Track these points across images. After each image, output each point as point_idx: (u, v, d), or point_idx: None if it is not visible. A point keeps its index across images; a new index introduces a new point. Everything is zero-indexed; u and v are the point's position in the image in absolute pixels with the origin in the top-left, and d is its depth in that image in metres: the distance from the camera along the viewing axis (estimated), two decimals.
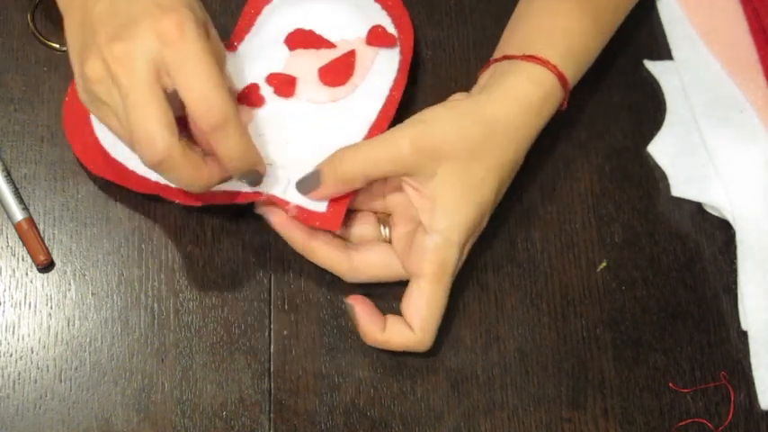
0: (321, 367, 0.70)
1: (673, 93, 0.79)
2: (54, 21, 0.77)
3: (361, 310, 0.68)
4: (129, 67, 0.60)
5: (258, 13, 0.76)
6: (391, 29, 0.75)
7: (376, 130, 0.70)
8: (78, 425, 0.67)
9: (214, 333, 0.70)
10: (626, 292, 0.73)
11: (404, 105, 0.73)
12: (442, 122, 0.67)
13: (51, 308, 0.70)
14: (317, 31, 0.73)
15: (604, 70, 0.78)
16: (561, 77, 0.70)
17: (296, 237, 0.69)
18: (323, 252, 0.69)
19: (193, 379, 0.69)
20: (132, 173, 0.69)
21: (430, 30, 0.79)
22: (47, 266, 0.70)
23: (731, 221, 0.74)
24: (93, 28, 0.62)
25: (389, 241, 0.70)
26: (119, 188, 0.72)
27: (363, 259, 0.69)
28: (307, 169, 0.68)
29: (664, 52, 0.80)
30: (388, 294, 0.70)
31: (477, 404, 0.70)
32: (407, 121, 0.68)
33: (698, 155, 0.76)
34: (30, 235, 0.71)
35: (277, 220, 0.69)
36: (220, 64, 0.65)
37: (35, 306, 0.70)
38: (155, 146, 0.60)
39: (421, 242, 0.67)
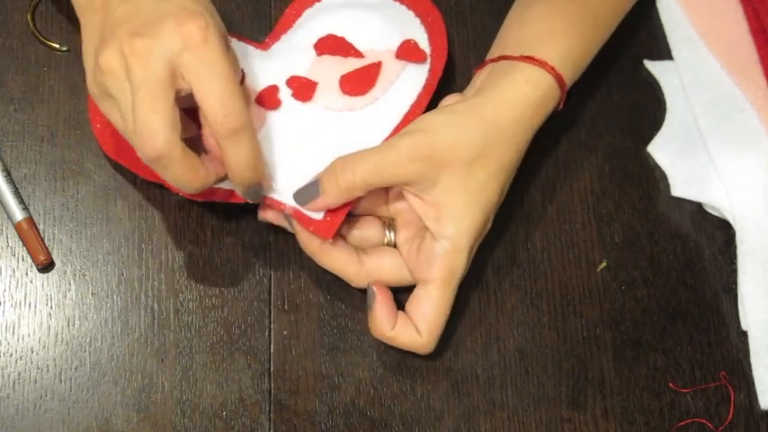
0: (321, 367, 0.70)
1: (673, 93, 0.79)
2: (54, 21, 0.77)
3: (382, 300, 0.67)
4: (147, 62, 0.61)
5: (299, 15, 0.76)
6: (425, 44, 0.74)
7: None
8: (78, 425, 0.67)
9: (214, 333, 0.70)
10: (626, 292, 0.73)
11: None
12: (441, 130, 0.67)
13: (51, 308, 0.70)
14: (349, 39, 0.73)
15: (604, 70, 0.78)
16: (559, 78, 0.70)
17: (311, 240, 0.68)
18: (335, 256, 0.68)
19: (193, 379, 0.69)
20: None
21: None
22: (47, 266, 0.70)
23: (731, 221, 0.74)
24: (114, 25, 0.63)
25: (394, 245, 0.70)
26: (119, 188, 0.72)
27: (375, 264, 0.69)
28: (307, 177, 0.68)
29: (664, 52, 0.80)
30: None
31: (477, 404, 0.70)
32: (407, 130, 0.68)
33: (698, 155, 0.76)
34: (30, 235, 0.71)
35: (295, 221, 0.69)
36: (236, 74, 0.65)
37: (35, 306, 0.70)
38: (156, 140, 0.61)
39: (430, 248, 0.67)
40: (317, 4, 0.76)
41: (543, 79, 0.69)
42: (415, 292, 0.68)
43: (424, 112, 0.71)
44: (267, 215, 0.69)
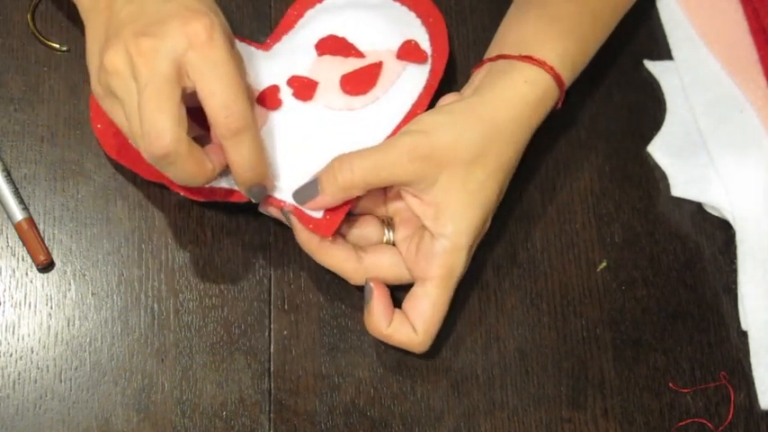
0: (321, 367, 0.70)
1: (673, 93, 0.79)
2: (54, 21, 0.77)
3: (379, 297, 0.68)
4: (153, 61, 0.61)
5: (300, 16, 0.76)
6: (426, 45, 0.74)
7: None
8: (78, 425, 0.67)
9: (214, 333, 0.70)
10: (626, 292, 0.73)
11: None
12: (440, 130, 0.67)
13: (51, 308, 0.70)
14: (350, 39, 0.73)
15: (604, 70, 0.78)
16: (557, 78, 0.70)
17: (310, 237, 0.68)
18: (334, 253, 0.68)
19: (193, 379, 0.69)
20: (145, 160, 0.70)
21: None
22: (47, 266, 0.70)
23: (731, 221, 0.74)
24: (118, 26, 0.63)
25: (393, 244, 0.70)
26: (119, 188, 0.72)
27: (373, 262, 0.69)
28: (308, 176, 0.68)
29: (664, 52, 0.80)
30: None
31: (477, 404, 0.70)
32: (405, 130, 0.68)
33: (698, 155, 0.76)
34: (30, 235, 0.71)
35: (295, 218, 0.69)
36: (241, 74, 0.65)
37: (35, 306, 0.70)
38: (164, 139, 0.61)
39: (429, 247, 0.67)
40: (318, 5, 0.76)
41: (542, 79, 0.69)
42: (413, 290, 0.68)
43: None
44: (269, 209, 0.69)
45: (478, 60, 0.73)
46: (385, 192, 0.70)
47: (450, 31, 0.78)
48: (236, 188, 0.69)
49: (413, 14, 0.76)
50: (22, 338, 0.69)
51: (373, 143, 0.69)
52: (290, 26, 0.76)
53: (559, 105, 0.72)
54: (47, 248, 0.71)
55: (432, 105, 0.72)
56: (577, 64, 0.72)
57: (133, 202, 0.72)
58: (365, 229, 0.70)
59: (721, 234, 0.75)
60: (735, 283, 0.73)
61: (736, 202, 0.74)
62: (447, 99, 0.71)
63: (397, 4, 0.76)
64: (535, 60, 0.69)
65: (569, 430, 0.69)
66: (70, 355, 0.69)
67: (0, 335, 0.69)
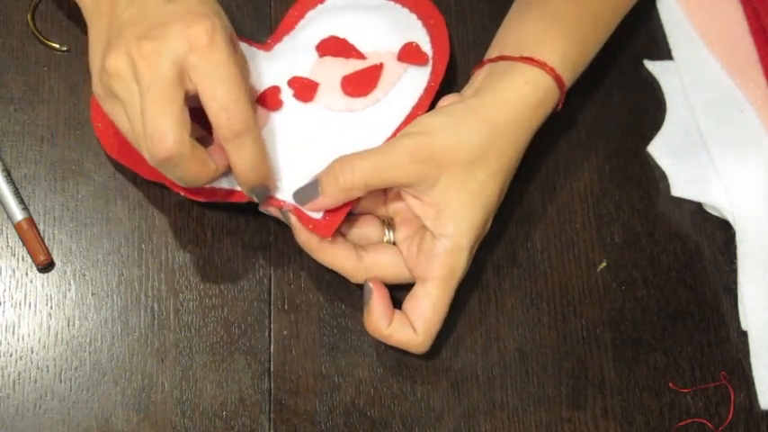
0: (321, 367, 0.70)
1: (673, 93, 0.79)
2: (54, 21, 0.77)
3: (379, 297, 0.68)
4: (155, 64, 0.61)
5: (301, 16, 0.76)
6: (427, 47, 0.74)
7: None
8: (78, 425, 0.67)
9: (214, 333, 0.70)
10: (626, 292, 0.73)
11: None
12: (441, 132, 0.67)
13: (51, 308, 0.70)
14: (351, 41, 0.73)
15: (604, 70, 0.78)
16: (558, 79, 0.70)
17: (309, 236, 0.68)
18: (334, 252, 0.68)
19: (193, 379, 0.69)
20: (146, 160, 0.70)
21: None
22: (47, 266, 0.70)
23: (731, 221, 0.74)
24: (120, 28, 0.63)
25: (393, 244, 0.70)
26: (119, 188, 0.72)
27: (373, 260, 0.69)
28: (308, 177, 0.68)
29: (664, 52, 0.80)
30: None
31: (477, 404, 0.70)
32: (406, 131, 0.68)
33: (698, 155, 0.76)
34: (30, 235, 0.71)
35: (294, 218, 0.69)
36: (244, 75, 0.65)
37: (35, 306, 0.70)
38: (166, 141, 0.61)
39: (430, 247, 0.67)
40: (319, 6, 0.76)
41: (542, 80, 0.69)
42: (414, 290, 0.68)
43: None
44: (269, 208, 0.69)
45: (479, 61, 0.73)
46: (385, 192, 0.70)
47: (450, 31, 0.78)
48: (237, 188, 0.69)
49: (414, 16, 0.76)
50: (22, 338, 0.69)
51: (374, 145, 0.69)
52: (290, 27, 0.76)
53: (560, 107, 0.72)
54: (47, 248, 0.71)
55: (432, 107, 0.72)
56: (578, 65, 0.72)
57: (133, 202, 0.72)
58: (365, 229, 0.70)
59: (721, 234, 0.75)
60: (735, 283, 0.73)
61: (736, 202, 0.74)
62: (447, 100, 0.71)
63: (398, 5, 0.76)
64: (536, 62, 0.69)
65: (569, 430, 0.69)
66: (70, 355, 0.69)
67: (0, 335, 0.69)
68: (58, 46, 0.76)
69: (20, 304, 0.70)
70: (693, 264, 0.74)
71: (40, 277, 0.70)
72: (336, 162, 0.67)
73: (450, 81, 0.76)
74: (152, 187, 0.72)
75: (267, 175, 0.66)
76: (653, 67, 0.80)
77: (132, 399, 0.68)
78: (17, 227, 0.71)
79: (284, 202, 0.68)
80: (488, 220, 0.69)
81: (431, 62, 0.74)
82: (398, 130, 0.71)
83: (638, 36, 0.80)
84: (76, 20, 0.76)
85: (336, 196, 0.67)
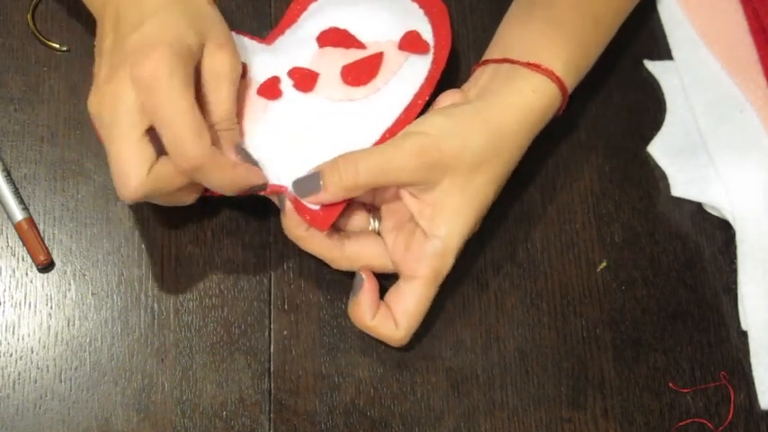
0: (321, 367, 0.70)
1: (673, 93, 0.79)
2: (54, 21, 0.77)
3: (368, 289, 0.68)
4: (113, 106, 0.63)
5: (304, 9, 0.76)
6: (428, 36, 0.74)
7: (390, 135, 0.69)
8: (78, 425, 0.67)
9: (214, 333, 0.70)
10: (626, 292, 0.73)
11: None
12: (446, 135, 0.67)
13: (51, 308, 0.70)
14: (352, 31, 0.73)
15: (604, 70, 0.78)
16: (562, 87, 0.70)
17: (297, 223, 0.68)
18: (320, 241, 0.68)
19: (193, 379, 0.69)
20: None
21: None
22: (47, 266, 0.70)
23: (731, 221, 0.74)
24: (100, 63, 0.65)
25: (377, 233, 0.70)
26: None
27: (357, 250, 0.69)
28: (307, 166, 0.68)
29: (664, 52, 0.80)
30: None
31: (477, 404, 0.70)
32: (411, 130, 0.67)
33: (698, 155, 0.76)
34: (30, 235, 0.71)
35: (290, 205, 0.69)
36: (223, 82, 0.66)
37: (35, 306, 0.70)
38: (129, 184, 0.62)
39: (420, 246, 0.67)
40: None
41: (548, 88, 0.70)
42: (400, 286, 0.68)
43: (427, 102, 0.71)
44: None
45: (479, 60, 0.73)
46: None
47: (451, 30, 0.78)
48: None
49: (415, 5, 0.76)
50: (22, 338, 0.69)
51: (374, 134, 0.69)
52: (293, 20, 0.76)
53: (560, 112, 0.72)
54: (47, 248, 0.71)
55: (434, 96, 0.71)
56: (581, 69, 0.72)
57: None
58: (351, 217, 0.70)
59: (721, 234, 0.75)
60: (735, 283, 0.73)
61: (736, 202, 0.74)
62: (448, 98, 0.71)
63: None
64: (542, 69, 0.69)
65: (569, 430, 0.69)
66: (70, 355, 0.69)
67: (0, 335, 0.69)
68: (57, 46, 0.76)
69: (20, 304, 0.70)
70: (693, 264, 0.74)
71: (40, 277, 0.70)
72: (340, 160, 0.67)
73: (451, 70, 0.75)
74: None
75: (244, 183, 0.66)
76: (653, 67, 0.80)
77: (132, 399, 0.68)
78: (17, 227, 0.71)
79: (285, 188, 0.68)
80: (479, 222, 0.69)
81: (432, 51, 0.74)
82: (399, 119, 0.70)
83: (638, 36, 0.80)
84: (76, 20, 0.76)
85: (338, 194, 0.67)
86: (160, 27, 0.63)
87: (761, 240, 0.73)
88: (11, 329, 0.69)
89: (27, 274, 0.71)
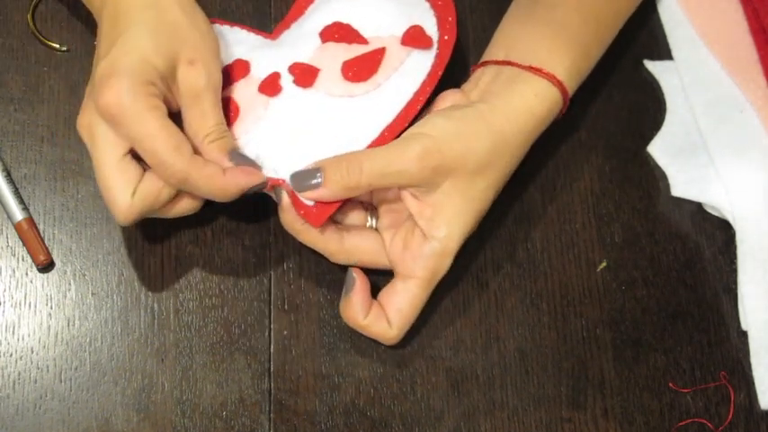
0: (321, 367, 0.70)
1: (673, 93, 0.79)
2: (54, 21, 0.77)
3: (360, 288, 0.68)
4: (91, 136, 0.65)
5: (311, 2, 0.76)
6: (432, 30, 0.73)
7: (390, 132, 0.69)
8: (78, 425, 0.67)
9: (214, 333, 0.70)
10: (626, 292, 0.73)
11: None
12: (450, 139, 0.66)
13: (51, 308, 0.70)
14: (355, 26, 0.72)
15: (604, 70, 0.78)
16: (564, 92, 0.70)
17: (295, 217, 0.68)
18: (317, 234, 0.68)
19: (193, 379, 0.69)
20: None
21: None
22: (47, 266, 0.70)
23: (731, 221, 0.74)
24: (92, 73, 0.66)
25: (375, 230, 0.70)
26: None
27: (355, 244, 0.69)
28: (306, 161, 0.68)
29: (664, 52, 0.80)
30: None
31: (477, 404, 0.70)
32: (415, 132, 0.67)
33: (698, 155, 0.76)
34: (30, 235, 0.71)
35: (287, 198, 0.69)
36: (203, 96, 0.66)
37: (35, 306, 0.70)
38: (118, 209, 0.64)
39: (418, 246, 0.67)
40: None
41: (550, 92, 0.70)
42: (395, 285, 0.68)
43: (429, 98, 0.71)
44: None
45: (478, 61, 0.73)
46: None
47: None
48: None
49: None
50: (22, 338, 0.69)
51: (373, 130, 0.69)
52: (299, 14, 0.75)
53: (561, 116, 0.72)
54: (47, 248, 0.71)
55: (436, 93, 0.71)
56: (582, 72, 0.72)
57: None
58: (348, 213, 0.70)
59: (721, 234, 0.75)
60: (735, 283, 0.73)
61: (736, 202, 0.74)
62: (449, 98, 0.71)
63: None
64: (545, 73, 0.69)
65: (569, 430, 0.69)
66: (70, 355, 0.69)
67: (0, 335, 0.69)
68: (57, 46, 0.76)
69: (20, 304, 0.70)
70: (693, 264, 0.74)
71: (40, 277, 0.70)
72: (344, 160, 0.66)
73: (451, 70, 0.75)
74: None
75: (237, 189, 0.66)
76: (653, 67, 0.80)
77: (132, 399, 0.68)
78: (17, 227, 0.71)
79: (283, 181, 0.68)
80: (477, 225, 0.69)
81: (436, 45, 0.73)
82: (400, 115, 0.70)
83: (638, 36, 0.80)
84: (76, 20, 0.76)
85: (338, 192, 0.67)
86: (123, 51, 0.64)
87: (761, 240, 0.73)
88: (11, 329, 0.69)
89: (27, 274, 0.71)
